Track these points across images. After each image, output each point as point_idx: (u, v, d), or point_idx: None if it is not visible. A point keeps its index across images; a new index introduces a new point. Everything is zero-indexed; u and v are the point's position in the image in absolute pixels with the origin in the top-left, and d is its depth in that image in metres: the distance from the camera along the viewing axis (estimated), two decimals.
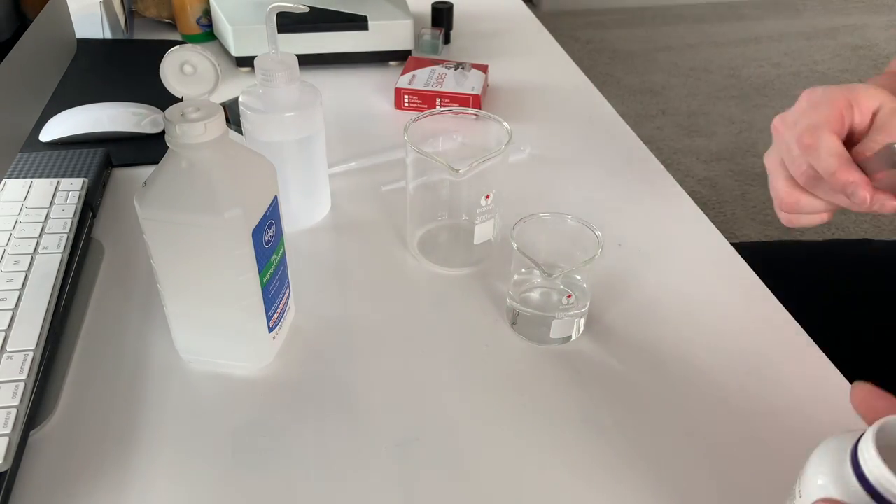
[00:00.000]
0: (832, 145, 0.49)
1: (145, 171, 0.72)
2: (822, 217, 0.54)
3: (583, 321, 0.56)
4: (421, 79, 0.87)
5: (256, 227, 0.48)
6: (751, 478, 0.47)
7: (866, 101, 0.51)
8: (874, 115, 0.51)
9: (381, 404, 0.51)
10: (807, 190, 0.52)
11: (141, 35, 1.03)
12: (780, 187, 0.54)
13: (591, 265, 0.53)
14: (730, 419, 0.51)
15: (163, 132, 0.45)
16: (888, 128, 0.51)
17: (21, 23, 0.58)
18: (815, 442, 0.36)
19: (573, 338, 0.55)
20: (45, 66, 0.64)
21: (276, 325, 0.54)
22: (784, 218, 0.55)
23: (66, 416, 0.50)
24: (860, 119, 0.51)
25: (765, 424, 0.50)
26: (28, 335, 0.51)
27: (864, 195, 0.47)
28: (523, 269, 0.54)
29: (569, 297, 0.53)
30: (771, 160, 0.55)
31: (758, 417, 0.51)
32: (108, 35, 0.98)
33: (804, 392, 0.53)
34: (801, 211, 0.54)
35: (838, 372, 0.55)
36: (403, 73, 0.88)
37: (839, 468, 0.33)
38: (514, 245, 0.53)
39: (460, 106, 0.83)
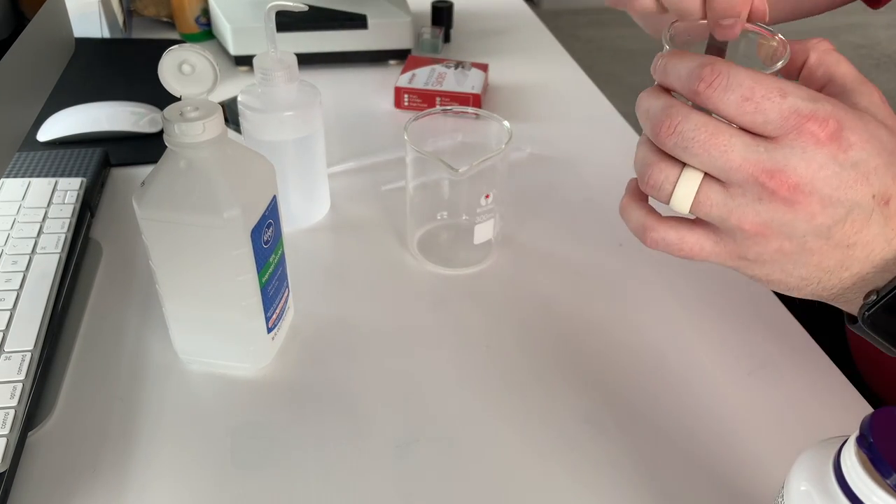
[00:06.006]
0: None
1: (144, 171, 0.72)
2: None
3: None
4: (421, 78, 0.87)
5: (255, 226, 0.48)
6: (750, 477, 0.47)
7: None
8: None
9: (381, 405, 0.51)
10: None
11: (139, 34, 1.02)
12: None
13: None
14: (730, 420, 0.50)
15: (161, 131, 0.45)
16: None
17: (19, 22, 0.58)
18: (814, 442, 0.36)
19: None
20: (43, 65, 0.64)
21: (276, 326, 0.54)
22: None
23: (65, 417, 0.50)
24: None
25: (765, 425, 0.50)
26: (26, 335, 0.51)
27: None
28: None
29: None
30: None
31: (758, 418, 0.51)
32: (107, 34, 0.97)
33: (805, 392, 0.53)
34: None
35: (839, 372, 0.55)
36: (403, 73, 0.88)
37: (822, 475, 0.34)
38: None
39: (460, 105, 0.83)
